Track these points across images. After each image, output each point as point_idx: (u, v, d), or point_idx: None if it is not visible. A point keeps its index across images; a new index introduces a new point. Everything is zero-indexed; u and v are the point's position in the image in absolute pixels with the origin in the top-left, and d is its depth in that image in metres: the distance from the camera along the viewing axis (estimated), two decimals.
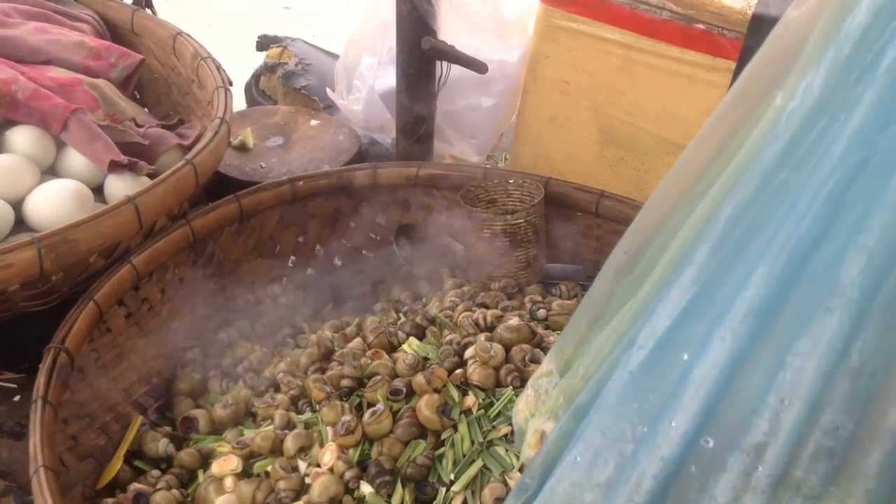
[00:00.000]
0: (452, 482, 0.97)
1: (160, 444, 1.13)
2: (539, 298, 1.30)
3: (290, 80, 2.16)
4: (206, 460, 1.11)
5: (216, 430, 1.16)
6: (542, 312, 1.26)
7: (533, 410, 0.61)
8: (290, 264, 1.53)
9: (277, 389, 1.19)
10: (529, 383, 0.63)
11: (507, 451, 1.00)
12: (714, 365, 0.41)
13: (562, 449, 0.51)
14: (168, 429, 1.17)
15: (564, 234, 1.52)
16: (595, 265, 1.51)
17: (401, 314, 1.32)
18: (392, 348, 1.18)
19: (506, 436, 1.01)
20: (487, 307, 1.28)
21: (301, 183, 1.48)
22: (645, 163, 1.79)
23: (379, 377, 1.06)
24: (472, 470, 0.98)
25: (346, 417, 1.01)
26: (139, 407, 1.24)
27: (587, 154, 1.83)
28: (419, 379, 1.03)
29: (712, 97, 1.59)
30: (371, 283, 1.51)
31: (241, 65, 2.42)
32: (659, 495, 0.42)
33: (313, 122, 1.88)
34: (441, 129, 1.85)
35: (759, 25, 1.48)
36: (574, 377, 0.53)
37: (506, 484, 0.97)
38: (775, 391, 0.40)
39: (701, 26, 1.55)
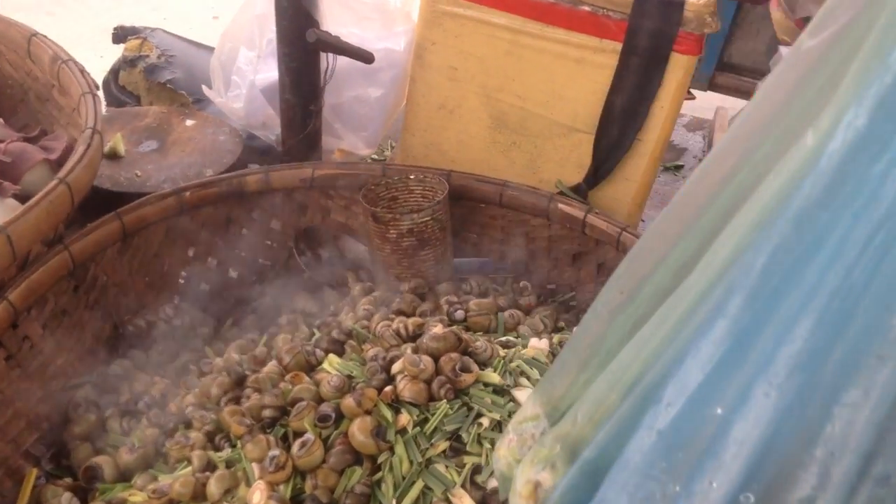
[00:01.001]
0: None
1: (62, 500, 1.02)
2: (454, 299, 1.26)
3: (153, 74, 2.01)
4: None
5: (123, 476, 1.06)
6: (460, 314, 1.22)
7: (517, 456, 0.56)
8: (181, 281, 1.42)
9: (188, 425, 1.10)
10: (510, 427, 0.59)
11: (447, 467, 0.96)
12: (757, 422, 0.38)
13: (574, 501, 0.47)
14: (68, 480, 1.07)
15: (468, 227, 1.48)
16: (501, 256, 1.49)
17: (313, 329, 1.25)
18: (310, 368, 1.11)
19: (444, 451, 0.96)
20: (406, 314, 1.23)
21: (188, 193, 1.37)
22: (537, 146, 1.77)
23: (304, 403, 0.99)
24: (414, 492, 0.93)
25: (274, 452, 0.94)
26: (31, 458, 1.12)
27: (479, 141, 1.79)
28: (348, 402, 0.97)
29: (599, 79, 1.59)
30: (272, 294, 1.43)
31: (87, 56, 2.22)
32: None
33: (189, 123, 1.76)
34: (328, 123, 1.77)
35: (643, 6, 1.48)
36: (572, 424, 0.49)
37: (449, 502, 0.93)
38: (823, 443, 0.37)
39: (587, 8, 1.53)
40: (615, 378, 0.46)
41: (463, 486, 0.94)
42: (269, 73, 1.71)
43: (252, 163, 1.78)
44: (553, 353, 1.15)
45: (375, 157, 2.05)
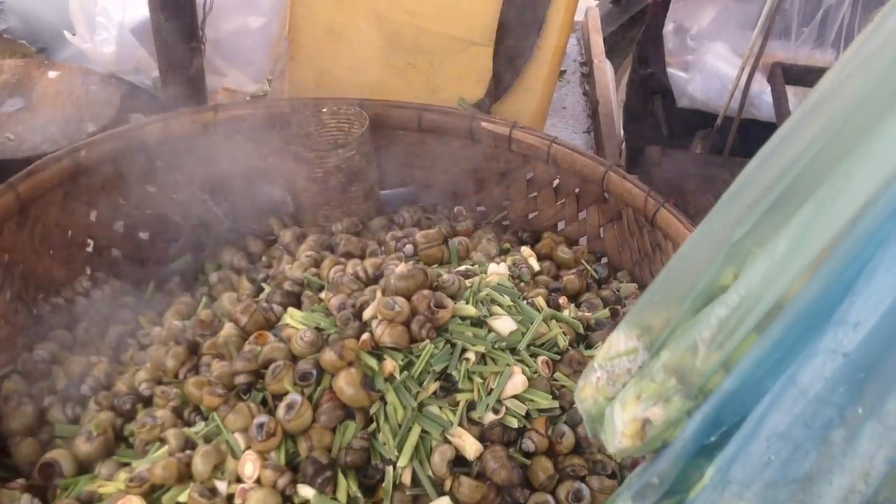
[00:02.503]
0: (397, 457, 0.89)
1: (22, 502, 0.93)
2: (400, 233, 1.22)
3: None
4: None
5: (83, 468, 0.98)
6: (409, 248, 1.18)
7: (608, 394, 0.54)
8: (89, 250, 1.30)
9: (145, 403, 1.02)
10: (596, 364, 0.56)
11: (441, 408, 0.94)
12: None
13: (704, 439, 0.46)
14: (21, 481, 0.97)
15: (388, 156, 1.43)
16: (425, 183, 1.45)
17: (259, 284, 1.17)
18: (270, 326, 1.04)
19: (435, 392, 0.94)
20: (356, 256, 1.17)
21: (83, 153, 1.24)
22: (434, 64, 1.72)
23: (279, 364, 0.94)
24: (413, 438, 0.91)
25: (262, 419, 0.89)
26: None
27: (374, 64, 1.72)
28: (328, 356, 0.92)
29: None
30: (191, 251, 1.33)
31: None
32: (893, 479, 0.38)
33: (52, 74, 1.59)
34: (209, 61, 1.64)
35: None
36: (690, 354, 0.47)
37: (449, 443, 0.92)
38: None
39: None
40: (752, 300, 0.45)
41: (460, 424, 0.93)
42: (139, 10, 1.56)
43: (133, 112, 1.63)
44: (512, 276, 1.14)
45: (260, 94, 1.93)
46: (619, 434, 0.51)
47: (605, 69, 2.16)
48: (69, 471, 0.97)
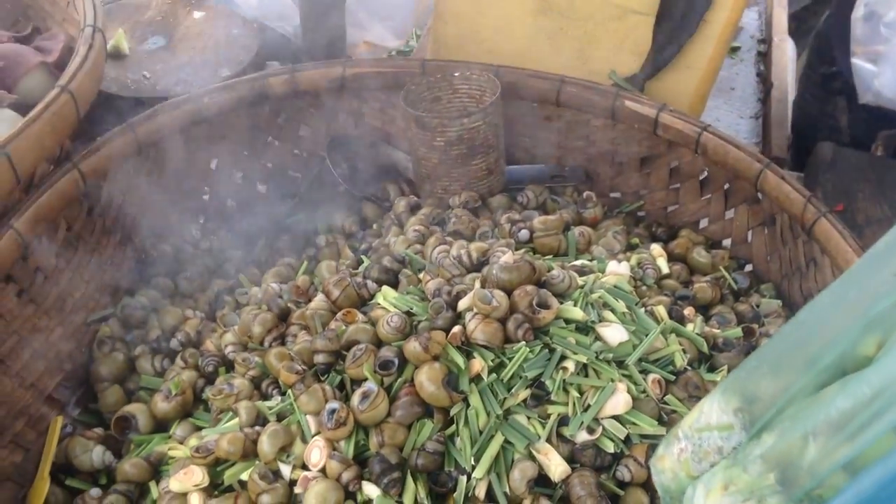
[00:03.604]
0: (473, 467, 0.81)
1: (94, 455, 0.92)
2: (516, 216, 1.12)
3: None
4: (156, 469, 0.90)
5: (160, 426, 0.96)
6: (524, 234, 1.08)
7: (692, 472, 0.44)
8: (205, 198, 1.28)
9: (228, 367, 0.99)
10: (681, 432, 0.46)
11: (529, 419, 0.84)
12: None
13: None
14: (99, 431, 0.96)
15: (521, 129, 1.32)
16: (558, 161, 1.34)
17: (359, 255, 1.11)
18: (362, 302, 0.98)
19: (524, 401, 0.85)
20: (464, 236, 1.09)
21: (206, 99, 1.21)
22: (588, 31, 1.58)
23: (362, 347, 0.87)
24: (493, 448, 0.82)
25: (334, 405, 0.82)
26: (55, 404, 1.01)
27: (521, 27, 1.61)
28: (413, 346, 0.85)
29: None
30: (305, 210, 1.29)
31: None
32: None
33: (197, 15, 1.58)
34: (351, 13, 1.59)
35: None
36: (799, 447, 0.36)
37: (533, 459, 0.82)
38: None
39: None
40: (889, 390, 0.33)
41: (548, 439, 0.83)
42: None
43: (270, 60, 1.60)
44: (634, 278, 1.02)
45: (403, 49, 1.86)
46: None
47: (785, 49, 1.95)
48: (145, 427, 0.95)
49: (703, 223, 1.25)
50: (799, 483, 0.37)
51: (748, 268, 1.20)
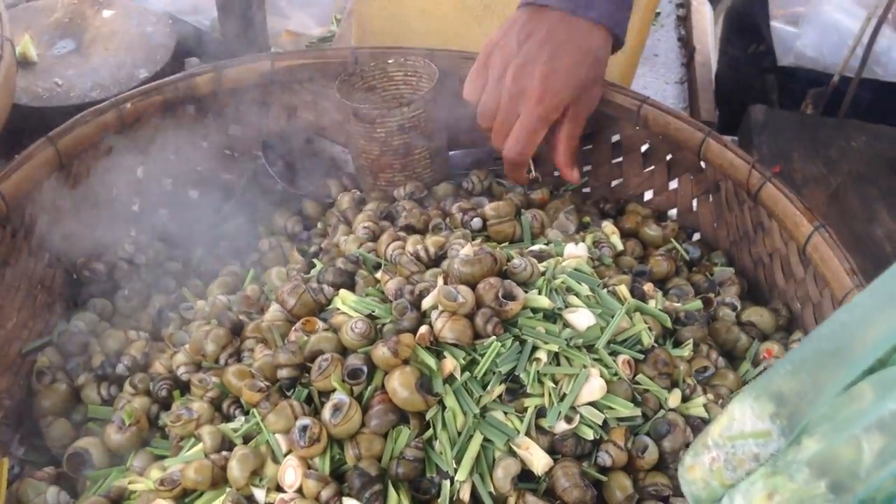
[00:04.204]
0: (456, 470, 0.79)
1: (49, 497, 0.86)
2: (467, 205, 1.09)
3: None
4: None
5: (115, 459, 0.90)
6: (477, 222, 1.06)
7: (726, 481, 0.42)
8: (134, 209, 1.22)
9: (183, 389, 0.94)
10: (710, 440, 0.44)
11: (506, 414, 0.82)
12: None
13: None
14: (50, 470, 0.90)
15: (460, 113, 1.29)
16: None
17: (313, 260, 1.07)
18: (320, 308, 0.94)
19: (500, 396, 0.83)
20: (417, 230, 1.06)
21: (129, 105, 1.14)
22: (513, 8, 1.57)
23: (327, 358, 0.83)
24: (473, 449, 0.80)
25: (305, 422, 0.79)
26: None
27: (447, 7, 1.58)
28: (381, 352, 0.82)
29: None
30: (244, 213, 1.24)
31: None
32: None
33: (107, 14, 1.50)
34: (271, 1, 1.53)
35: None
36: (852, 452, 0.34)
37: (514, 455, 0.81)
38: None
39: None
40: None
41: (528, 433, 0.82)
42: None
43: (187, 57, 1.54)
44: (591, 258, 1.00)
45: (325, 36, 1.81)
46: None
47: (704, 12, 1.97)
48: (100, 461, 0.89)
49: (648, 195, 1.25)
50: (853, 490, 0.36)
51: (696, 237, 1.21)
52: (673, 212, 1.23)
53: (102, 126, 1.12)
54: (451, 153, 1.27)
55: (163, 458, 0.88)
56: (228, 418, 0.87)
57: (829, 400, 0.38)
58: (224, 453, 0.81)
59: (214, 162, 1.27)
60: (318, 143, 1.29)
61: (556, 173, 1.31)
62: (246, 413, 0.87)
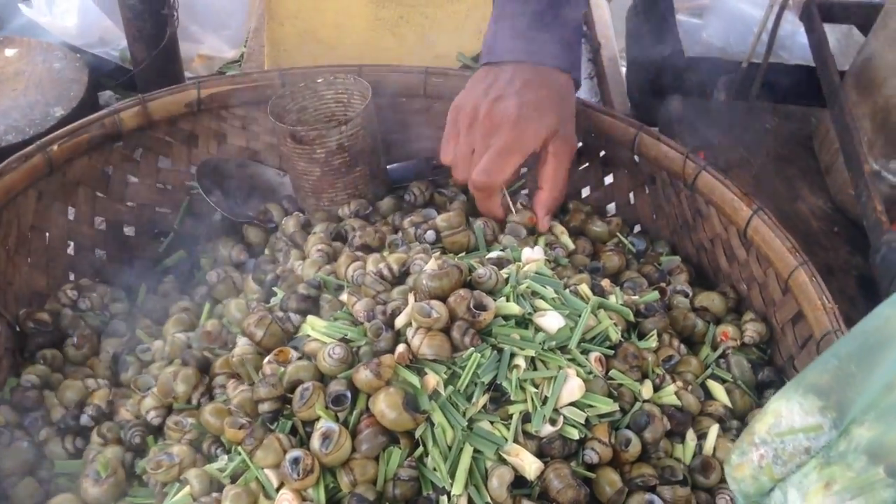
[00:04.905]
0: (451, 484, 0.80)
1: None
2: (418, 219, 1.10)
3: None
4: None
5: None
6: (430, 234, 1.06)
7: (775, 475, 0.44)
8: (70, 253, 1.17)
9: (156, 433, 0.91)
10: (757, 438, 0.46)
11: (492, 423, 0.84)
12: None
13: None
14: None
15: (391, 127, 1.30)
16: (434, 153, 1.32)
17: (273, 288, 1.06)
18: (288, 337, 0.93)
19: (484, 406, 0.84)
20: (373, 249, 1.06)
21: (55, 147, 1.11)
22: (428, 17, 1.59)
23: (308, 387, 0.83)
24: (465, 461, 0.81)
25: (295, 454, 0.78)
26: None
27: (361, 20, 1.58)
28: (364, 375, 0.82)
29: None
30: (184, 246, 1.21)
31: None
32: None
33: (9, 52, 1.43)
34: (182, 27, 1.49)
35: None
36: None
37: (504, 462, 0.82)
38: None
39: None
40: None
41: (515, 440, 0.83)
42: None
43: (100, 90, 1.49)
44: (548, 260, 1.03)
45: (238, 59, 1.77)
46: None
47: (603, 6, 2.03)
48: None
49: (586, 192, 1.28)
50: None
51: (637, 228, 1.25)
52: (611, 206, 1.27)
53: (30, 172, 1.08)
54: (388, 167, 1.27)
55: None
56: (210, 459, 0.86)
57: (878, 389, 0.40)
58: (214, 495, 0.80)
59: (147, 196, 1.23)
60: (251, 169, 1.27)
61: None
62: (228, 451, 0.85)
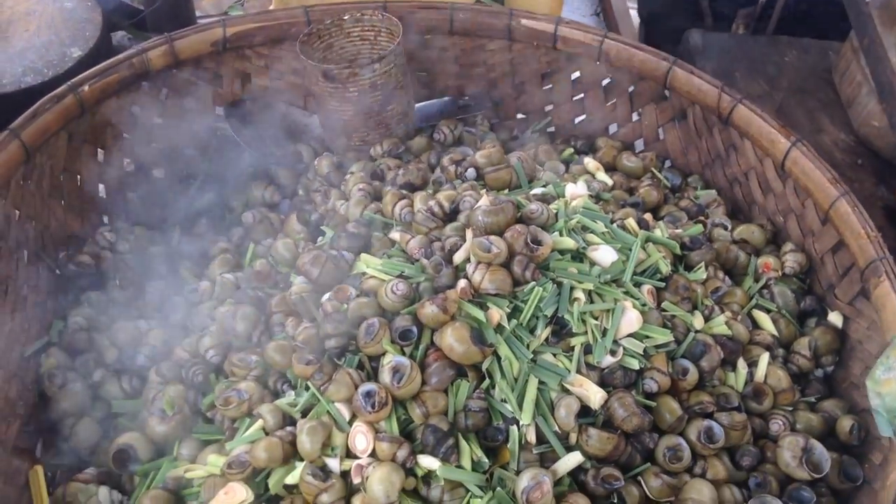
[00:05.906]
0: (520, 414, 0.81)
1: (101, 498, 0.84)
2: (457, 156, 1.10)
3: None
4: (178, 496, 0.84)
5: (160, 451, 0.88)
6: (472, 172, 1.07)
7: None
8: (103, 196, 1.16)
9: (217, 372, 0.92)
10: None
11: (555, 355, 0.85)
12: None
13: None
14: (92, 471, 0.87)
15: (416, 65, 1.29)
16: (459, 91, 1.32)
17: (322, 227, 1.05)
18: (343, 275, 0.94)
19: (546, 339, 0.85)
20: (418, 188, 1.06)
21: (86, 87, 1.09)
22: None
23: (373, 323, 0.84)
24: (532, 392, 0.83)
25: (368, 387, 0.79)
26: (25, 454, 0.90)
27: None
28: (430, 310, 0.83)
29: None
30: (213, 188, 1.19)
31: None
32: None
33: None
34: None
35: None
36: None
37: (568, 392, 0.84)
38: None
39: None
40: None
41: (578, 371, 0.85)
42: None
43: (113, 30, 1.45)
44: (591, 195, 1.04)
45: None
46: None
47: None
48: (145, 455, 0.87)
49: (613, 128, 1.29)
50: None
51: (668, 164, 1.26)
52: (639, 142, 1.28)
53: (63, 112, 1.06)
54: (417, 105, 1.27)
55: (211, 443, 0.87)
56: (277, 394, 0.87)
57: None
58: (289, 429, 0.81)
59: (174, 138, 1.22)
60: (278, 109, 1.26)
61: (518, 115, 1.33)
62: (295, 387, 0.86)
